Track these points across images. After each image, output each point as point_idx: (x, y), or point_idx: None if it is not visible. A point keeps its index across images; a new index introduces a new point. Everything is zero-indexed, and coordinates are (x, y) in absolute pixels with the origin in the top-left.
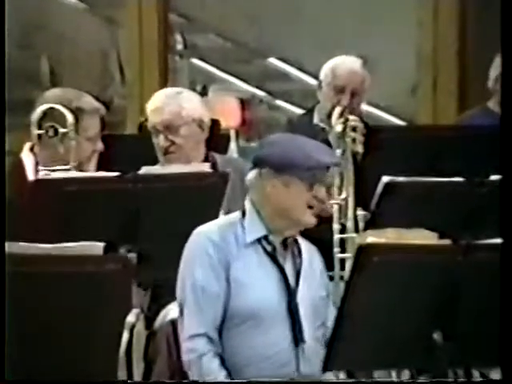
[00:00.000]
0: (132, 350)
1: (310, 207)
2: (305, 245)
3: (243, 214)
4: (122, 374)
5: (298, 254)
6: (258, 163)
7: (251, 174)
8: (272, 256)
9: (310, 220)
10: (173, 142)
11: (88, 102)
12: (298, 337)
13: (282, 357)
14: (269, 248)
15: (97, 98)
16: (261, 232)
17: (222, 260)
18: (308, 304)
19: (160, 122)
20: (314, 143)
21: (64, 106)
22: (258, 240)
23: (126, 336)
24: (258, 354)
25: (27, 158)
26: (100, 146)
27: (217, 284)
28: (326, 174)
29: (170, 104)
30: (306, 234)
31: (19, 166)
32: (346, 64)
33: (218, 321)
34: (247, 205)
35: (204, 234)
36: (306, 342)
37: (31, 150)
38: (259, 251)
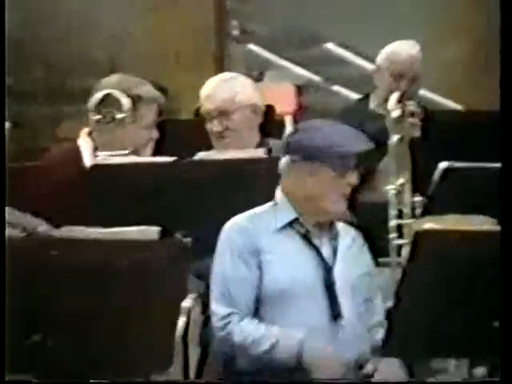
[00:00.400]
0: (188, 334)
1: (342, 195)
2: (342, 226)
3: (275, 202)
4: (177, 359)
5: (335, 236)
6: (288, 150)
7: (282, 161)
8: (305, 237)
9: (339, 208)
10: (226, 127)
11: (147, 90)
12: (335, 312)
13: (321, 334)
14: (301, 230)
15: (156, 86)
16: (291, 216)
17: (250, 247)
18: (346, 281)
19: (214, 108)
20: (345, 129)
21: (123, 92)
22: (290, 224)
23: (182, 321)
24: (294, 329)
25: (84, 144)
26: (156, 133)
27: (245, 269)
28: (356, 161)
29: (224, 89)
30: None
31: (75, 152)
32: (404, 49)
33: (250, 303)
34: (278, 192)
35: (234, 222)
36: (343, 316)
37: (89, 135)
38: (292, 234)
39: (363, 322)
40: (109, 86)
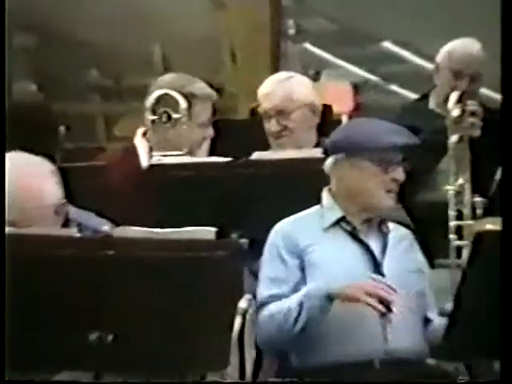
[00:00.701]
0: (244, 335)
1: (388, 190)
2: (393, 225)
3: (322, 203)
4: (233, 360)
5: (384, 233)
6: (331, 149)
7: (327, 162)
8: (352, 234)
9: (387, 203)
10: (285, 127)
11: (200, 87)
12: (384, 305)
13: (368, 327)
14: (348, 228)
15: (210, 84)
16: (337, 214)
17: (292, 249)
18: (396, 276)
19: (272, 107)
20: (387, 125)
21: (176, 90)
22: (337, 223)
23: (238, 321)
24: (344, 327)
25: (140, 144)
26: (210, 132)
27: (284, 270)
28: (400, 156)
29: (282, 88)
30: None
31: (132, 152)
32: (464, 47)
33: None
34: (324, 193)
35: (277, 227)
36: (393, 310)
37: (144, 135)
38: (339, 232)
39: (415, 317)
40: (163, 85)
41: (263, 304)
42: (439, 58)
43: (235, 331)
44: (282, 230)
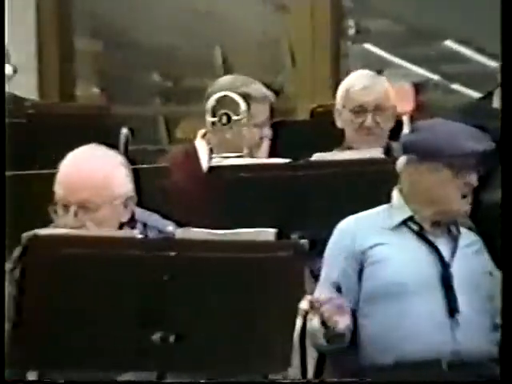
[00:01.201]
0: (305, 337)
1: (463, 195)
2: (462, 230)
3: (392, 202)
4: (295, 362)
5: (454, 236)
6: (406, 149)
7: (399, 161)
8: (419, 234)
9: (462, 208)
10: (378, 124)
11: (257, 88)
12: (452, 307)
13: (436, 328)
14: (416, 228)
15: (267, 86)
16: (406, 214)
17: (352, 249)
18: (465, 278)
19: (372, 101)
20: (464, 128)
21: (233, 91)
22: (405, 223)
23: (299, 323)
24: (412, 326)
25: (201, 146)
26: (268, 132)
27: (338, 273)
28: (475, 160)
29: (378, 83)
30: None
31: (193, 154)
32: None
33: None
34: (395, 192)
35: (340, 224)
36: (460, 311)
37: (203, 137)
38: (406, 233)
39: (485, 321)
40: (223, 87)
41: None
42: None
43: (296, 332)
44: (343, 229)
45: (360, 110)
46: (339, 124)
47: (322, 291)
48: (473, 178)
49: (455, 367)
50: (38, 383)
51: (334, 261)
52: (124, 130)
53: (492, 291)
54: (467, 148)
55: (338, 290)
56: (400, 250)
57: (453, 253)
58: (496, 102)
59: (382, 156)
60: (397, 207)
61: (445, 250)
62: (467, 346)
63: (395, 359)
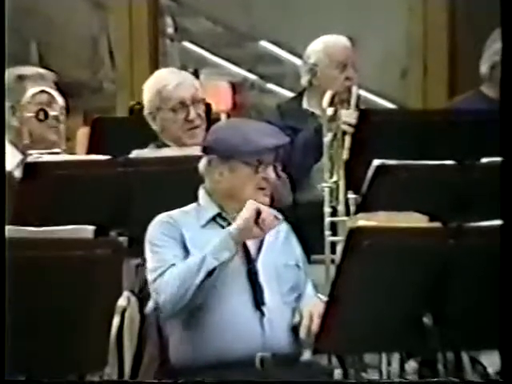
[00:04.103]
0: (123, 334)
1: (261, 188)
2: None
3: (198, 202)
4: (112, 360)
5: None
6: (206, 150)
7: (201, 162)
8: None
9: (262, 201)
10: (199, 115)
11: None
12: (258, 300)
13: (245, 321)
14: (224, 224)
15: (86, 83)
16: (213, 211)
17: (176, 237)
18: (270, 270)
19: (189, 96)
20: (258, 126)
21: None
22: (214, 220)
23: (116, 320)
24: (222, 322)
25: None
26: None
27: (170, 249)
28: (272, 155)
29: (189, 79)
30: (297, 215)
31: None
32: (338, 40)
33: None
34: (201, 191)
35: (156, 219)
36: (266, 304)
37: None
38: (216, 229)
39: (291, 311)
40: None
41: (162, 273)
42: (314, 58)
43: (113, 331)
44: (162, 220)
45: (180, 107)
46: (157, 126)
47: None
48: (270, 173)
49: (268, 363)
50: (39, 383)
51: (167, 246)
52: None
53: (297, 282)
54: (261, 144)
55: None
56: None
57: (259, 247)
58: (305, 103)
59: (200, 153)
60: (204, 206)
61: (252, 244)
62: (275, 337)
63: (211, 356)
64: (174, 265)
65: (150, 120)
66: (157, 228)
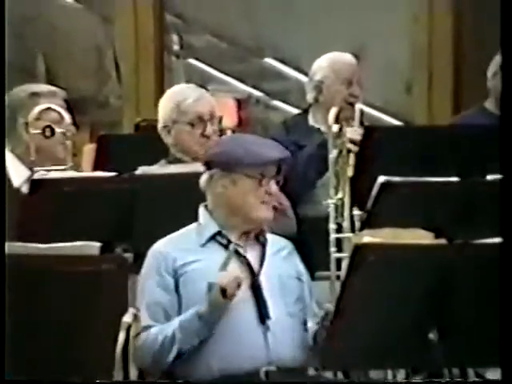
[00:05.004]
0: (128, 350)
1: (264, 202)
2: (272, 236)
3: (198, 221)
4: (118, 375)
5: (263, 244)
6: (209, 165)
7: (203, 178)
8: (227, 247)
9: (265, 215)
10: (215, 131)
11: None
12: (263, 313)
13: (249, 335)
14: (224, 241)
15: (92, 98)
16: (213, 229)
17: (166, 270)
18: (274, 281)
19: (207, 111)
20: (259, 140)
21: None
22: (214, 238)
23: (122, 336)
24: (226, 336)
25: (11, 160)
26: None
27: (160, 293)
28: (274, 169)
29: (205, 94)
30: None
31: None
32: (344, 57)
33: (172, 314)
34: (201, 209)
35: (153, 248)
36: (271, 317)
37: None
38: (216, 247)
39: (295, 322)
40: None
41: (145, 328)
42: (320, 75)
43: (119, 346)
44: (156, 252)
45: (198, 122)
46: (170, 139)
47: (143, 318)
48: (272, 187)
49: (272, 376)
50: (39, 383)
51: (152, 284)
52: None
53: (301, 294)
54: (264, 156)
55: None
56: (211, 265)
57: (261, 261)
58: (311, 119)
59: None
60: (204, 224)
61: (254, 258)
62: (279, 350)
63: (215, 372)
64: (150, 327)
65: (164, 134)
66: (149, 261)
